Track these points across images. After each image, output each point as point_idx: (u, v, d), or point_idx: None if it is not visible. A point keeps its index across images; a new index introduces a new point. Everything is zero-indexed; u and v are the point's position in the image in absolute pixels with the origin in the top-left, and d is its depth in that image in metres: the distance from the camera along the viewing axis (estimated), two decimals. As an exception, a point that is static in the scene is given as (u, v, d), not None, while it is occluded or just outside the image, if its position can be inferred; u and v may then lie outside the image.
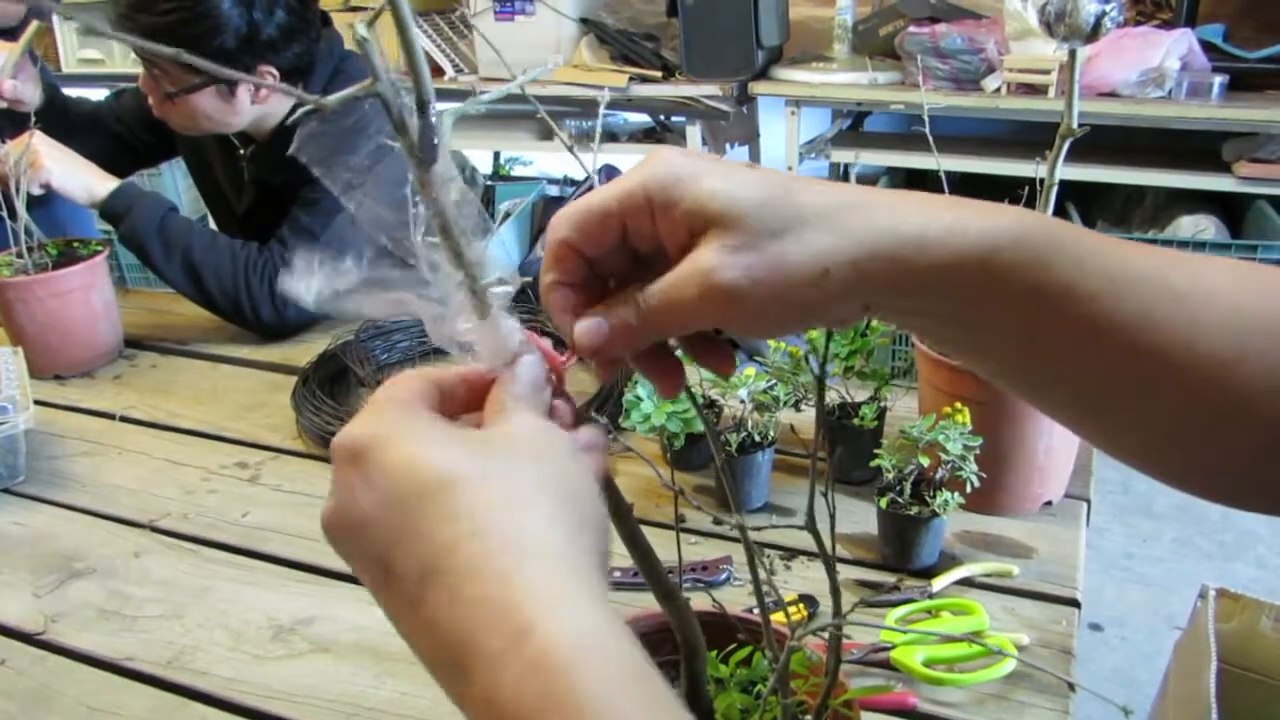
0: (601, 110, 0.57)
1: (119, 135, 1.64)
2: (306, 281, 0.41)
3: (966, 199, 0.41)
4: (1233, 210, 2.58)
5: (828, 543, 0.53)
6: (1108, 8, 0.77)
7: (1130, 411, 0.42)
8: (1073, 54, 0.80)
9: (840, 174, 3.38)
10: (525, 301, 1.47)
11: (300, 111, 0.38)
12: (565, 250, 0.43)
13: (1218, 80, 2.24)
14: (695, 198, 0.40)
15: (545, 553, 0.35)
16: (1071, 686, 0.74)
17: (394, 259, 0.41)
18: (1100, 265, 0.40)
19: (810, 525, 0.51)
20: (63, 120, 1.55)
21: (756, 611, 0.55)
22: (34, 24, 1.51)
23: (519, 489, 0.37)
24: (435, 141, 0.37)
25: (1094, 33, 0.78)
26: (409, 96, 0.37)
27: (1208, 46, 2.32)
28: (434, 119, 0.37)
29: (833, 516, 0.52)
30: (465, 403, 0.43)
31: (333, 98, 0.36)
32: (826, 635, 0.53)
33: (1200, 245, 2.41)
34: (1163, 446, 0.43)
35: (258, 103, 1.40)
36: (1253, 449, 0.41)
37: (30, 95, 1.47)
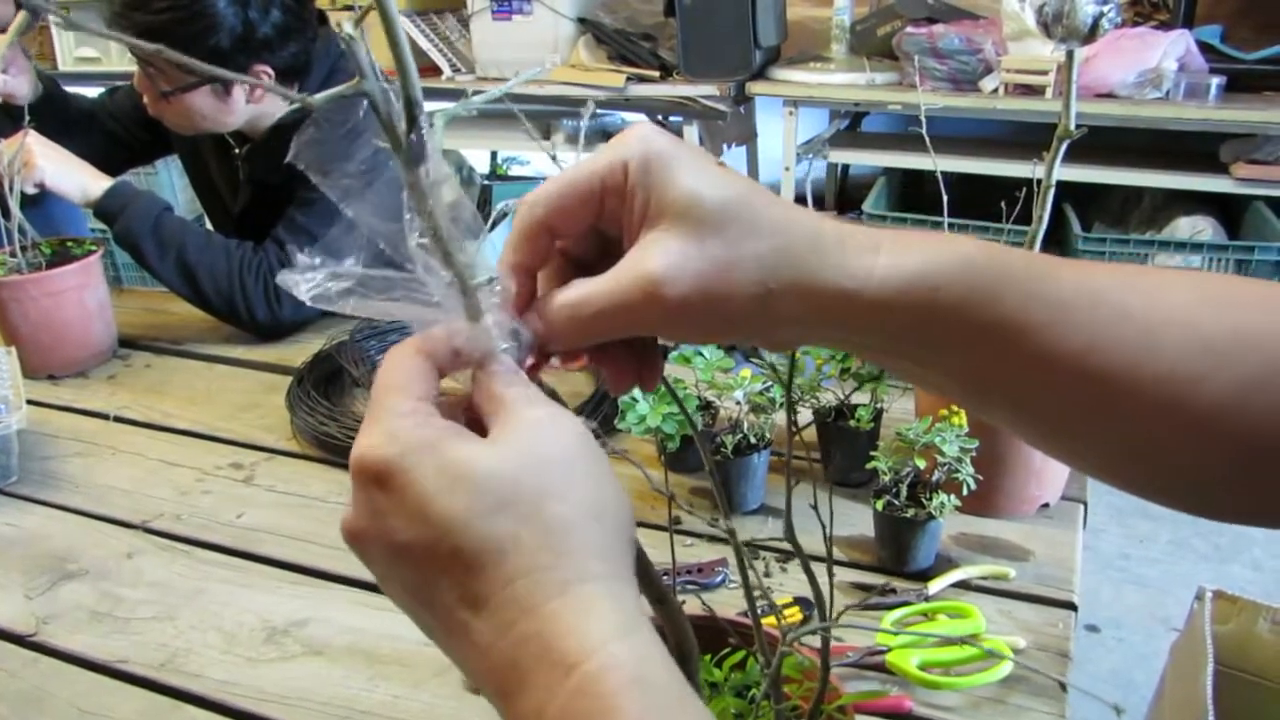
0: (587, 115, 0.56)
1: (113, 133, 1.64)
2: (307, 276, 0.40)
3: (915, 232, 0.41)
4: (1230, 211, 2.58)
5: (823, 547, 0.53)
6: (1105, 8, 0.76)
7: (1087, 433, 0.42)
8: (1070, 55, 0.80)
9: (838, 175, 3.38)
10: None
11: (287, 110, 0.38)
12: (539, 230, 0.42)
13: (1215, 81, 2.24)
14: (663, 190, 0.39)
15: (594, 577, 0.36)
16: (1064, 687, 0.74)
17: (393, 267, 0.41)
18: (1049, 294, 0.39)
19: (789, 534, 0.50)
20: (61, 116, 1.54)
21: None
22: (21, 15, 1.50)
23: (560, 511, 0.36)
24: (423, 141, 0.37)
25: (1092, 33, 0.77)
26: (397, 96, 0.36)
27: (1205, 47, 2.32)
28: (422, 119, 0.37)
29: (825, 523, 0.52)
30: (452, 365, 0.42)
31: (319, 96, 0.36)
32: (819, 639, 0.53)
33: (1198, 246, 2.41)
34: (1125, 463, 0.43)
35: (253, 102, 1.39)
36: (1217, 463, 0.40)
37: (22, 90, 1.46)
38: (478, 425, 0.40)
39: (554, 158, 0.66)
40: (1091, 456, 0.43)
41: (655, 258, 0.39)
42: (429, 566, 0.36)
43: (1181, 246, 2.42)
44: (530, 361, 0.43)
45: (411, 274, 0.41)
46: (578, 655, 0.34)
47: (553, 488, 0.37)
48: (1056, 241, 2.68)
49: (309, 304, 0.41)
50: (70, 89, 1.67)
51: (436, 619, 0.37)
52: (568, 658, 0.34)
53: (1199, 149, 2.39)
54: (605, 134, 2.88)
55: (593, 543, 0.37)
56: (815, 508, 0.53)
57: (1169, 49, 2.23)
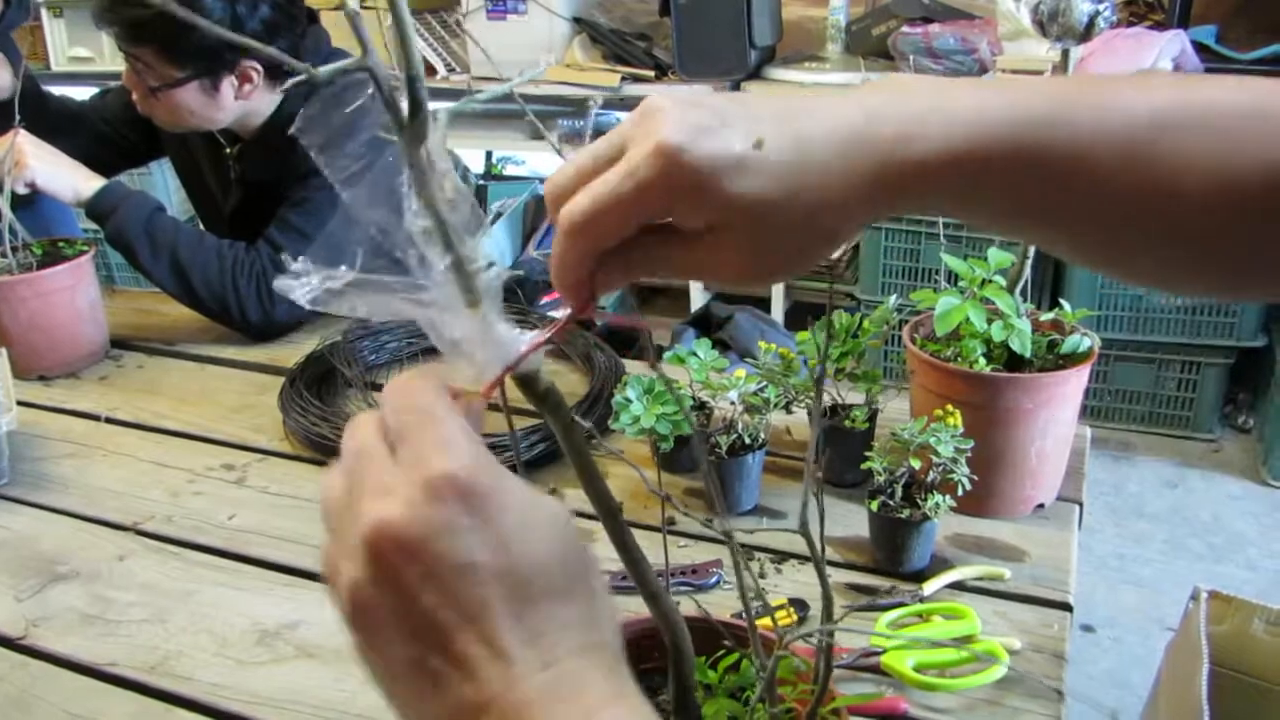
0: (593, 113, 0.56)
1: (104, 134, 1.63)
2: (301, 281, 0.40)
3: (952, 99, 0.42)
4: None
5: (816, 548, 0.52)
6: (1101, 7, 0.76)
7: (1127, 249, 0.44)
8: (1065, 54, 0.80)
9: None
10: (514, 300, 1.44)
11: (291, 81, 0.38)
12: (586, 255, 0.42)
13: (1210, 81, 2.24)
14: (711, 205, 0.40)
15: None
16: (1060, 694, 0.73)
17: (386, 258, 0.41)
18: (1092, 165, 0.41)
19: (804, 529, 0.50)
20: (39, 111, 1.53)
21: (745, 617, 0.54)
22: None
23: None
24: (425, 119, 0.37)
25: (1087, 32, 0.77)
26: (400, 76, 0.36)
27: (1200, 48, 2.32)
28: (421, 92, 0.37)
29: (821, 520, 0.51)
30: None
31: (324, 69, 0.36)
32: (816, 641, 0.52)
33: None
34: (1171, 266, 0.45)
35: (241, 98, 1.39)
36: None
37: (4, 81, 1.46)
38: None
39: (559, 152, 0.66)
40: (1133, 264, 0.46)
41: (731, 264, 0.42)
42: (487, 591, 0.35)
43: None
44: (538, 339, 0.43)
45: (406, 277, 0.41)
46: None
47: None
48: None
49: (307, 308, 0.41)
50: (63, 89, 1.66)
51: (452, 639, 0.35)
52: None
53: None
54: (601, 133, 2.88)
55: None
56: (817, 497, 0.52)
57: (1164, 49, 2.23)
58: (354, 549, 0.36)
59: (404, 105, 0.37)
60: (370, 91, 0.36)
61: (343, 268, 0.41)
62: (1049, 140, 0.41)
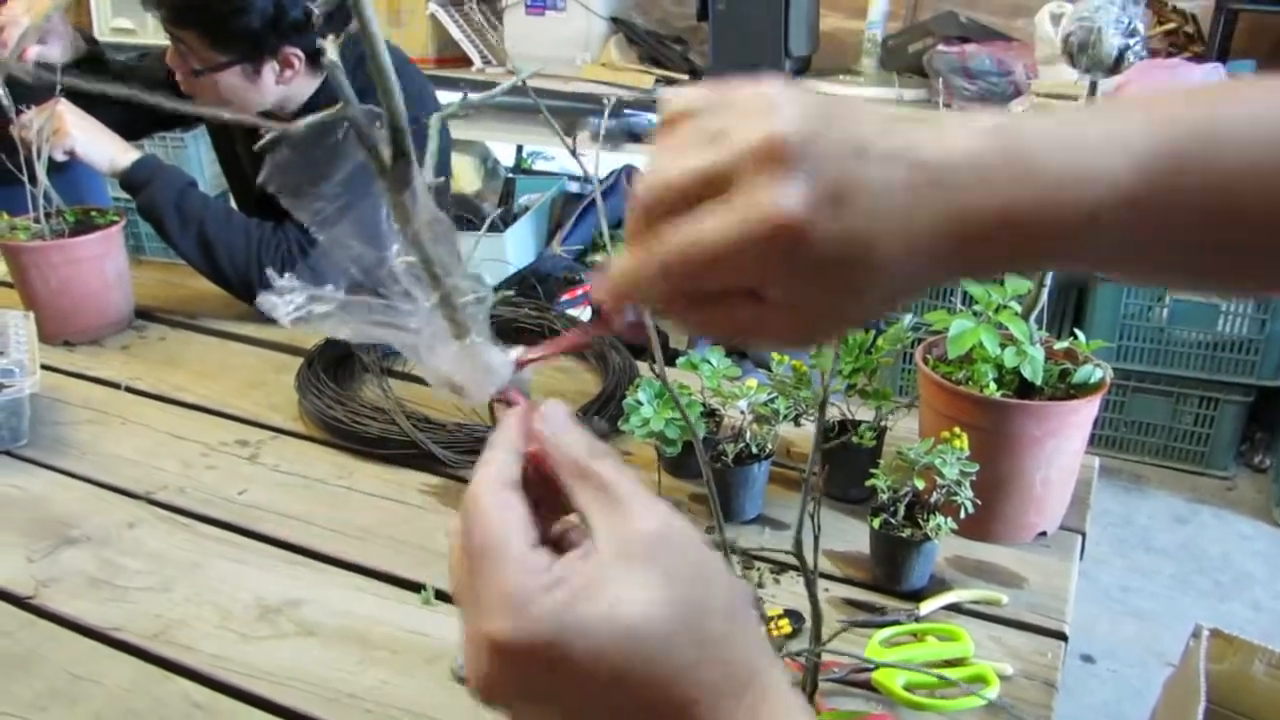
0: (606, 114, 0.57)
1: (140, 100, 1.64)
2: (285, 299, 0.40)
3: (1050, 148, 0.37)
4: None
5: (812, 564, 0.53)
6: (1132, 41, 0.76)
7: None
8: (1093, 86, 0.80)
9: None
10: (534, 297, 1.45)
11: (268, 137, 0.38)
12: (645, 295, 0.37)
13: (1246, 117, 2.22)
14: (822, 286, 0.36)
15: (768, 670, 0.37)
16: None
17: (369, 292, 0.41)
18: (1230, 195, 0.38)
19: (797, 550, 0.51)
20: (100, 80, 1.55)
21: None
22: None
23: (717, 626, 0.36)
24: (409, 164, 0.37)
25: (1116, 65, 0.77)
26: (383, 119, 0.36)
27: (1238, 83, 2.30)
28: (408, 147, 0.37)
29: (817, 539, 0.52)
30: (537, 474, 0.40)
31: (300, 123, 0.36)
32: (804, 659, 0.53)
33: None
34: None
35: (283, 83, 1.40)
36: None
37: (55, 57, 1.48)
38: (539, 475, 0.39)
39: (574, 152, 0.67)
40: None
41: (787, 332, 0.38)
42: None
43: (1202, 281, 2.40)
44: (539, 353, 0.43)
45: (389, 301, 0.41)
46: None
47: (701, 604, 0.36)
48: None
49: (289, 327, 0.41)
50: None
51: None
52: None
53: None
54: (630, 134, 2.88)
55: (754, 639, 0.38)
56: (813, 517, 0.53)
57: (1201, 81, 2.21)
58: (477, 646, 0.36)
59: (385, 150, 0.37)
60: (346, 128, 0.36)
61: (329, 287, 0.41)
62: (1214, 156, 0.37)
